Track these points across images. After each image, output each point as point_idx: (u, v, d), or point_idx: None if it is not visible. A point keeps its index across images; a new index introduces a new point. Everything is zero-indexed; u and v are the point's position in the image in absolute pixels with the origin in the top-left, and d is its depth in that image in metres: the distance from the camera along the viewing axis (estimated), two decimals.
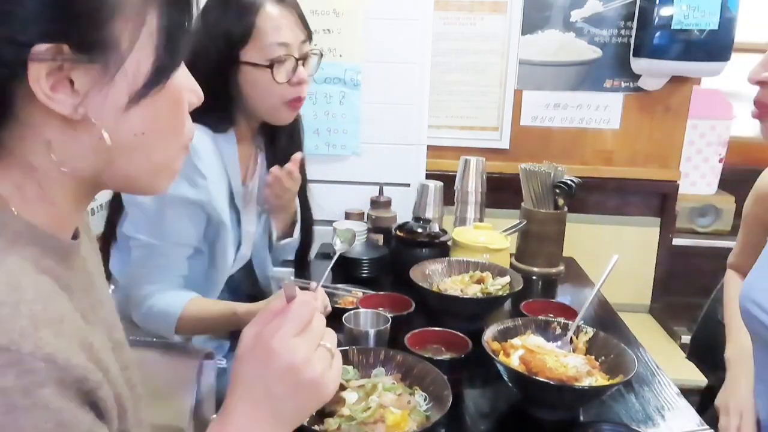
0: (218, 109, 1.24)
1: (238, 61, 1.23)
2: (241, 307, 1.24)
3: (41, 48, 0.48)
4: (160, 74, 0.54)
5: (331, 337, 0.66)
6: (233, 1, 1.23)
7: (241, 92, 1.26)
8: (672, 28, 2.08)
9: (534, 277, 1.73)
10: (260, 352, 0.61)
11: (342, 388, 0.96)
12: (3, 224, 0.51)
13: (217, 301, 1.32)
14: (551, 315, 1.28)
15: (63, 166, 0.53)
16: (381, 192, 1.91)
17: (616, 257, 1.18)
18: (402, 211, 1.89)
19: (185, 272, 1.28)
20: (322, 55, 1.33)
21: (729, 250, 1.41)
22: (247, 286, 1.51)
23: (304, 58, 1.28)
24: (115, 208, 1.34)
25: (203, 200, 1.22)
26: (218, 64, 1.21)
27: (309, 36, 1.30)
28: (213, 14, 1.23)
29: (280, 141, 1.44)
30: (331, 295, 1.46)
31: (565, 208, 1.76)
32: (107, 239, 1.37)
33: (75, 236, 0.61)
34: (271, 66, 1.22)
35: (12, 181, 0.53)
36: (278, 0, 1.24)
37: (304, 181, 1.52)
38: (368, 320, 1.18)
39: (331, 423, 0.90)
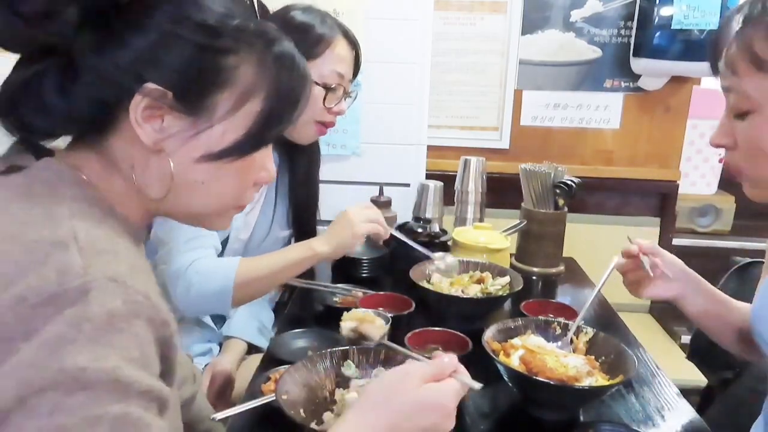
0: None
1: None
2: (320, 245, 1.29)
3: (150, 87, 0.57)
4: (238, 150, 0.62)
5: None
6: (319, 16, 1.35)
7: None
8: (672, 28, 2.08)
9: (534, 277, 1.73)
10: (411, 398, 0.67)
11: (342, 387, 0.97)
12: (99, 201, 0.60)
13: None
14: (551, 315, 1.28)
15: (136, 182, 0.62)
16: (381, 192, 1.91)
17: (617, 258, 1.18)
18: (402, 211, 1.89)
19: (218, 244, 1.29)
20: (356, 97, 1.47)
21: (729, 250, 1.41)
22: None
23: (347, 94, 1.41)
24: None
25: None
26: None
27: (355, 76, 1.45)
28: (299, 17, 1.34)
29: (300, 161, 1.53)
30: (331, 295, 1.47)
31: (565, 208, 1.76)
32: None
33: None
34: (326, 89, 1.34)
35: (104, 175, 0.62)
36: (346, 35, 1.38)
37: (315, 186, 1.59)
38: None
39: (331, 424, 0.90)
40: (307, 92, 0.66)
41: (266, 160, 0.69)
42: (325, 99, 1.34)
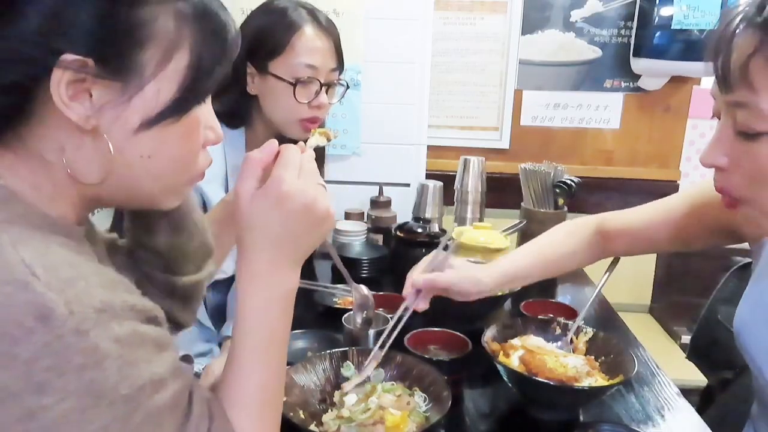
0: (235, 105, 1.29)
1: (266, 71, 1.27)
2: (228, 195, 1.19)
3: (68, 57, 0.50)
4: (176, 108, 0.57)
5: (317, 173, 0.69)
6: (277, 13, 1.28)
7: (261, 99, 1.30)
8: (672, 28, 2.08)
9: None
10: (272, 199, 0.63)
11: (341, 389, 0.97)
12: (31, 213, 0.54)
13: None
14: (551, 315, 1.28)
15: (69, 169, 0.55)
16: (381, 192, 1.91)
17: (618, 259, 1.18)
18: (402, 211, 1.89)
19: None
20: (348, 87, 1.38)
21: (729, 250, 1.40)
22: None
23: (329, 85, 1.32)
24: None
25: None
26: (245, 67, 1.27)
27: (340, 66, 1.34)
28: (256, 20, 1.29)
29: None
30: (331, 295, 1.47)
31: (565, 208, 1.76)
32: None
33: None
34: (294, 84, 1.26)
35: (28, 175, 0.55)
36: (318, 24, 1.29)
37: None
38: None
39: (330, 424, 0.90)
40: (232, 35, 0.61)
41: (209, 117, 0.64)
42: (295, 93, 1.26)
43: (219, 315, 1.48)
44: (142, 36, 0.54)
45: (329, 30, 1.32)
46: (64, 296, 0.46)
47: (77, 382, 0.46)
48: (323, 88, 1.30)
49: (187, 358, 1.07)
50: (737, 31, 0.71)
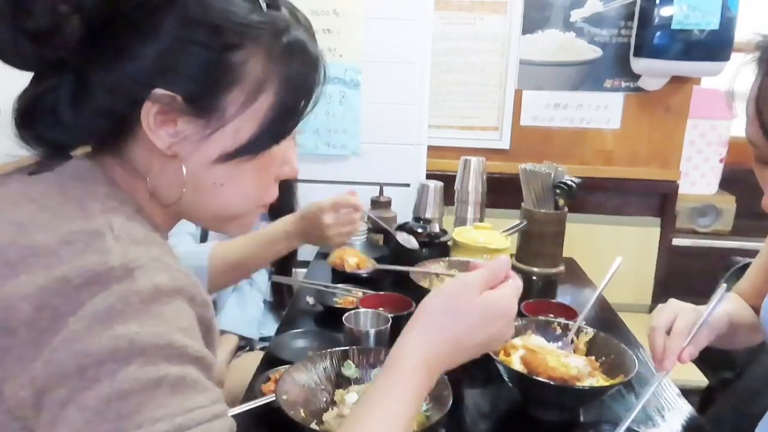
0: None
1: None
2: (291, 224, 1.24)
3: (159, 92, 0.56)
4: (254, 147, 0.61)
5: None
6: None
7: None
8: (672, 28, 2.08)
9: (534, 277, 1.73)
10: (493, 315, 0.68)
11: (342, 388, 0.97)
12: (128, 200, 0.61)
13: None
14: (551, 315, 1.28)
15: (150, 185, 0.62)
16: (381, 192, 1.91)
17: (620, 260, 1.17)
18: (402, 211, 1.89)
19: (193, 230, 1.28)
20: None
21: (729, 250, 1.41)
22: None
23: None
24: None
25: None
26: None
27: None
28: None
29: None
30: (331, 295, 1.47)
31: (566, 209, 1.76)
32: None
33: None
34: None
35: (130, 181, 0.62)
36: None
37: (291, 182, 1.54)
38: (368, 320, 1.18)
39: (331, 423, 0.90)
40: (320, 78, 0.63)
41: (288, 153, 0.67)
42: None
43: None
44: (231, 78, 0.58)
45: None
46: (125, 247, 0.52)
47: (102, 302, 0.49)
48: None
49: None
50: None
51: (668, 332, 0.96)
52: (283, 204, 1.53)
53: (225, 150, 0.60)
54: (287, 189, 1.57)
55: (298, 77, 0.61)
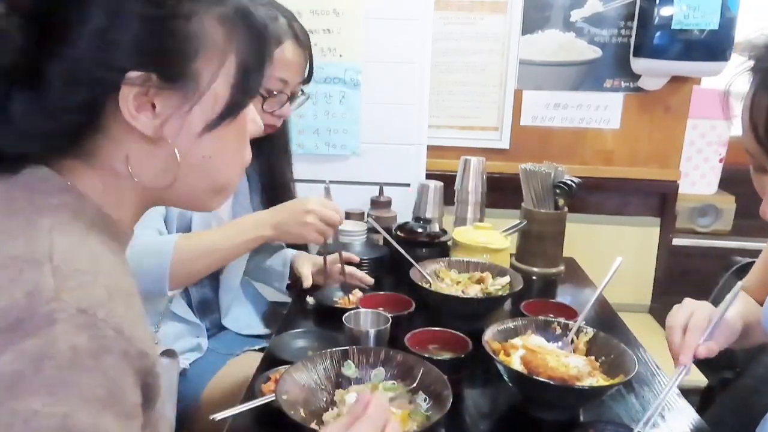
0: None
1: None
2: (264, 228, 1.27)
3: (134, 74, 0.55)
4: (233, 108, 0.63)
5: None
6: (273, 15, 1.30)
7: None
8: (672, 28, 2.08)
9: (534, 277, 1.73)
10: None
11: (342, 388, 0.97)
12: (82, 211, 0.58)
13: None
14: (551, 315, 1.28)
15: (136, 177, 0.60)
16: (381, 192, 1.91)
17: (620, 260, 1.17)
18: (402, 211, 1.89)
19: (162, 227, 1.27)
20: (308, 97, 1.43)
21: (729, 250, 1.41)
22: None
23: (293, 95, 1.38)
24: None
25: None
26: None
27: (308, 78, 1.40)
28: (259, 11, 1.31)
29: (264, 146, 1.46)
30: (331, 295, 1.47)
31: (565, 208, 1.76)
32: None
33: None
34: (263, 95, 1.30)
35: (98, 183, 0.60)
36: (296, 38, 1.32)
37: (283, 177, 1.56)
38: (368, 320, 1.18)
39: (331, 423, 0.90)
40: (269, 31, 0.65)
41: (252, 111, 0.68)
42: (263, 104, 1.30)
43: (205, 309, 1.49)
44: (195, 46, 0.58)
45: (305, 44, 1.35)
46: (60, 283, 0.49)
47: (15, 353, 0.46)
48: (288, 100, 1.36)
49: (170, 353, 1.07)
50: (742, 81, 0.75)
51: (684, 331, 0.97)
52: (277, 193, 1.54)
53: (208, 119, 0.61)
54: (287, 189, 1.57)
55: (254, 34, 0.63)
